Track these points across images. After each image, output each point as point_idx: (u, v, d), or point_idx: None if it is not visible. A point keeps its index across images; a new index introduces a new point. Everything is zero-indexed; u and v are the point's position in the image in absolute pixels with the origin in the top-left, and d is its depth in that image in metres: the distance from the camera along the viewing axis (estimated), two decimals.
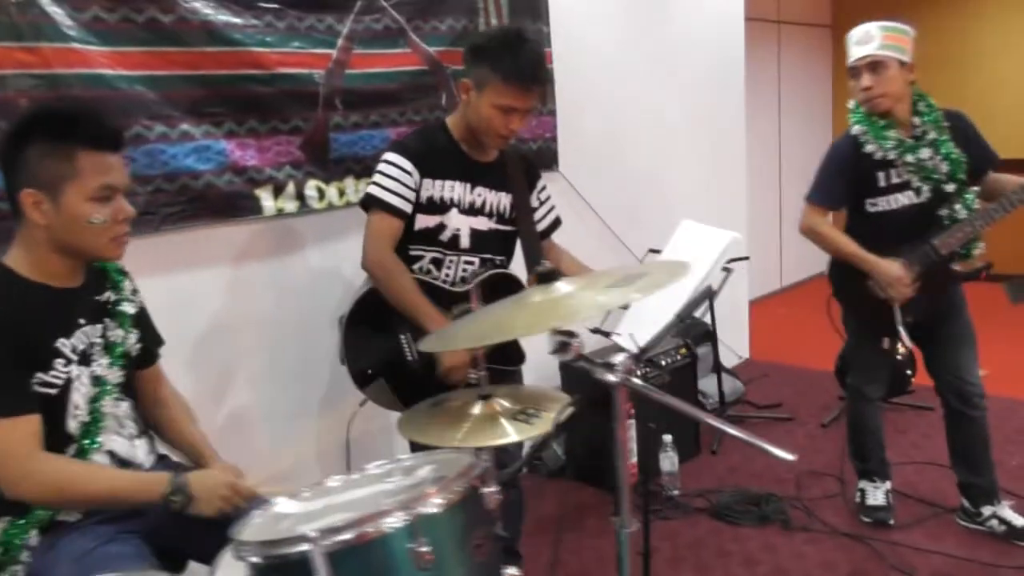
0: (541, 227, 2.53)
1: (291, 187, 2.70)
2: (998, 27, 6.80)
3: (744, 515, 3.16)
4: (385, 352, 2.30)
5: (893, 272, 2.67)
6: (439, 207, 2.31)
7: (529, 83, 2.18)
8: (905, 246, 2.70)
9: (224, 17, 2.46)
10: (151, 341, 1.93)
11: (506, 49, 2.16)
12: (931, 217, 2.70)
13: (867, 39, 2.64)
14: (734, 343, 4.96)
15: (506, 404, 1.91)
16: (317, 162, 2.76)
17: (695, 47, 4.45)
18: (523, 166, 2.46)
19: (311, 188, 2.75)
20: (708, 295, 1.75)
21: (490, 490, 1.42)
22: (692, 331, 4.38)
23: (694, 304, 1.74)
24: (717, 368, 4.12)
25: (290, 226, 2.77)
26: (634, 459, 3.47)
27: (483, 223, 2.38)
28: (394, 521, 1.22)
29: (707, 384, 4.21)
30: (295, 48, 2.63)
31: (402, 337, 2.29)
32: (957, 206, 2.69)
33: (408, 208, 2.27)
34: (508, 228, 2.43)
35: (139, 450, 1.81)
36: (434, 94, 3.08)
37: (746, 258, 3.87)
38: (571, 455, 3.63)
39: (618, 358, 1.40)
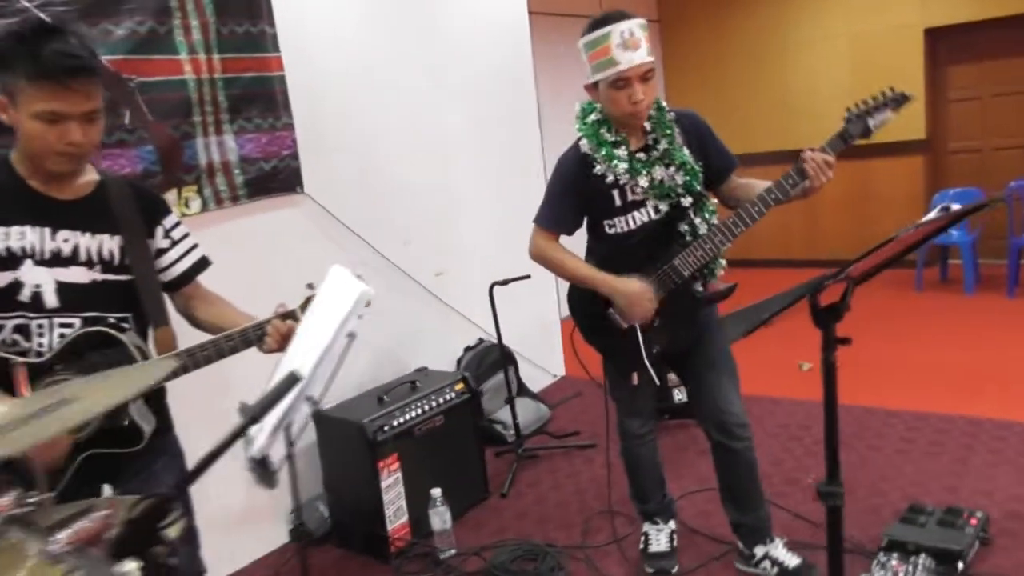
0: (176, 272, 2.06)
1: None
2: (816, 17, 6.83)
3: None
4: None
5: (632, 289, 2.34)
6: (7, 261, 1.79)
7: (65, 78, 1.71)
8: (647, 268, 2.39)
9: None
10: None
11: (24, 45, 1.71)
12: (671, 234, 2.42)
13: (634, 43, 2.26)
14: (547, 362, 4.64)
15: None
16: None
17: (474, 50, 4.08)
18: (135, 200, 1.97)
19: None
20: (292, 382, 1.33)
21: None
22: (488, 357, 4.03)
23: (272, 400, 1.32)
24: (511, 399, 3.76)
25: None
26: (404, 518, 3.08)
27: (79, 274, 1.87)
28: None
29: (511, 411, 3.84)
30: None
31: None
32: (697, 220, 2.41)
33: None
34: (124, 278, 1.94)
35: None
36: (110, 113, 2.54)
37: (527, 276, 3.52)
38: (337, 519, 3.17)
39: None
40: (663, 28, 7.54)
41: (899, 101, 2.22)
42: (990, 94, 6.48)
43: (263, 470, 1.54)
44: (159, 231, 2.02)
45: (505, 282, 3.44)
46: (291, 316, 1.96)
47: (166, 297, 2.06)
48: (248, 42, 2.95)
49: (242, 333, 1.96)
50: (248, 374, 1.99)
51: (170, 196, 2.74)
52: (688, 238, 2.39)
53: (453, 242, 3.93)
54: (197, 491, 2.80)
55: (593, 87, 2.37)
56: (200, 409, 2.68)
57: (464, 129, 4.03)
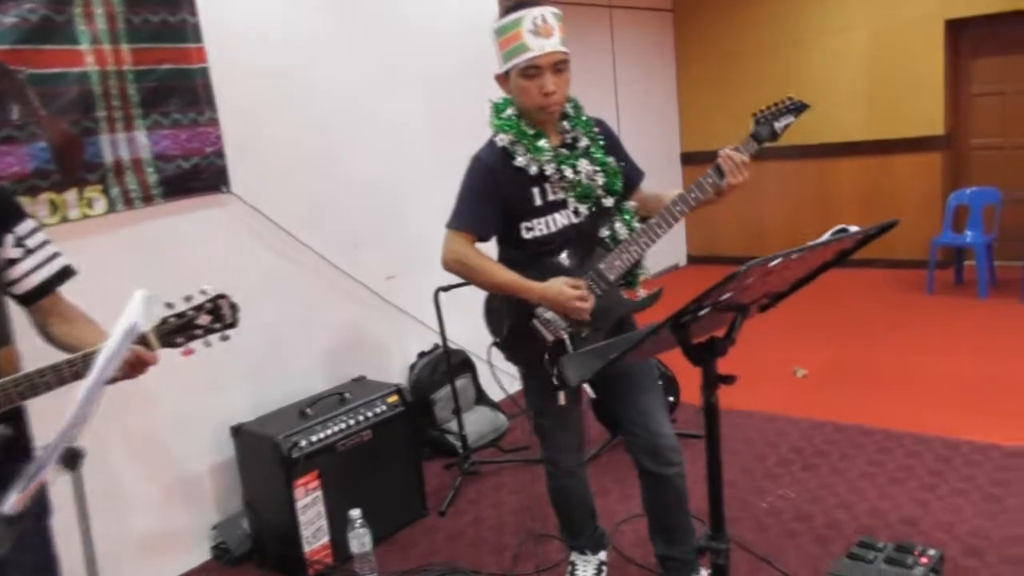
0: (30, 284, 1.88)
1: None
2: (834, 8, 6.46)
3: None
4: None
5: (562, 289, 2.13)
6: None
7: None
8: (570, 272, 2.19)
9: None
10: None
11: None
12: (593, 239, 2.23)
13: (546, 30, 2.11)
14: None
15: None
16: None
17: (432, 35, 3.87)
18: None
19: None
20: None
21: None
22: (444, 363, 3.83)
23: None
24: (457, 410, 3.56)
25: None
26: (325, 539, 2.90)
27: None
28: None
29: (468, 421, 3.65)
30: None
31: None
32: (618, 225, 2.25)
33: None
34: None
35: None
36: None
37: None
38: (257, 538, 3.01)
39: None
40: (676, 18, 7.24)
41: (799, 108, 2.12)
42: (1014, 89, 6.08)
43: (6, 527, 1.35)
44: (8, 239, 1.85)
45: (448, 288, 3.23)
46: (143, 342, 1.76)
47: (18, 312, 1.90)
48: (164, 32, 2.78)
49: (85, 359, 1.76)
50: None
51: (70, 196, 2.59)
52: (610, 242, 2.22)
53: (406, 243, 3.73)
54: (114, 507, 2.70)
55: (505, 78, 2.19)
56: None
57: (418, 122, 3.83)
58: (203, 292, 1.82)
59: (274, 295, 3.21)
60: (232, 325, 1.85)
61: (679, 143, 7.41)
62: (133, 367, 1.72)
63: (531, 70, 2.10)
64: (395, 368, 3.69)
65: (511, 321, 2.28)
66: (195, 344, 1.83)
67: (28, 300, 1.94)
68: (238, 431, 2.97)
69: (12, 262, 1.87)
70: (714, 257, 7.26)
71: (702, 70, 7.16)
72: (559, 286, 2.14)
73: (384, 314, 3.67)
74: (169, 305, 1.80)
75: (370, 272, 3.59)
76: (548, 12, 2.10)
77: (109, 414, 2.30)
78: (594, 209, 2.22)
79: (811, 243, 1.42)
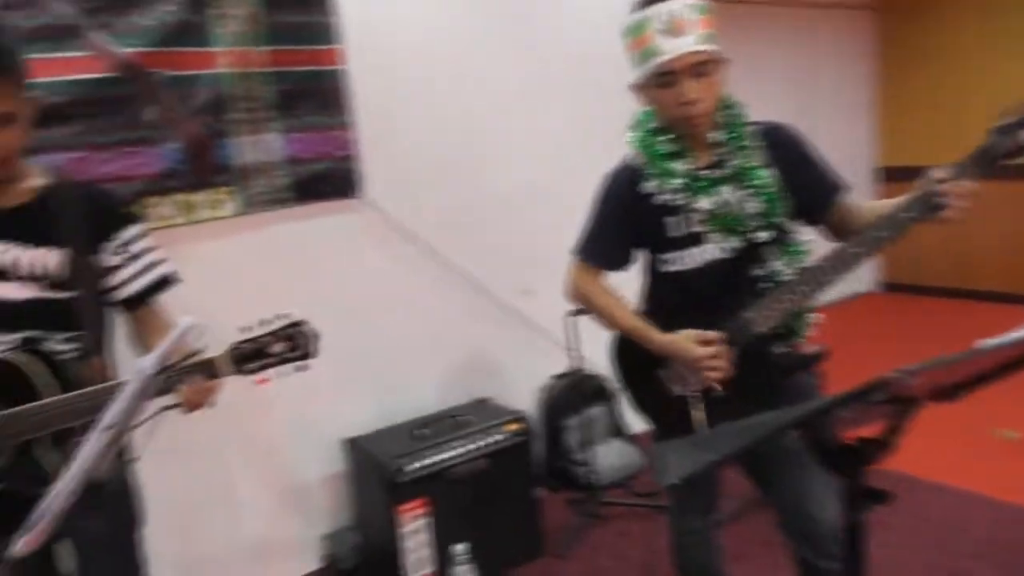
0: (128, 292, 1.84)
1: None
2: (981, 23, 5.53)
3: None
4: None
5: (685, 348, 1.81)
6: None
7: None
8: (714, 320, 1.84)
9: None
10: None
11: None
12: (744, 279, 1.86)
13: (681, 25, 1.76)
14: None
15: None
16: None
17: (581, 39, 3.60)
18: (88, 211, 1.77)
19: None
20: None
21: None
22: (581, 388, 3.58)
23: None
24: (586, 443, 3.29)
25: None
26: (428, 570, 2.74)
27: (16, 290, 1.71)
28: None
29: (598, 454, 3.38)
30: None
31: None
32: (777, 263, 1.86)
33: None
34: (68, 295, 1.76)
35: None
36: (130, 109, 2.42)
37: None
38: (364, 554, 2.91)
39: None
40: (882, 16, 6.49)
41: None
42: None
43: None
44: (111, 245, 1.82)
45: (578, 312, 2.97)
46: (208, 369, 1.65)
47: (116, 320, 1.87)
48: (300, 33, 2.72)
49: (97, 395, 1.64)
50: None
51: (200, 197, 2.58)
52: (764, 285, 1.84)
53: (546, 256, 3.49)
54: (227, 509, 2.70)
55: (641, 88, 1.87)
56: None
57: (565, 130, 3.57)
58: (280, 317, 1.68)
59: (401, 306, 3.10)
60: (308, 356, 1.70)
61: (875, 157, 6.65)
62: (191, 401, 1.62)
63: (665, 77, 1.76)
64: (523, 390, 3.47)
65: (631, 364, 2.00)
66: (270, 373, 1.69)
67: (126, 308, 1.90)
68: (350, 445, 2.88)
69: (113, 269, 1.84)
70: (913, 286, 6.41)
71: (905, 74, 6.36)
72: (686, 343, 1.81)
73: (516, 332, 3.47)
74: (244, 329, 1.67)
75: (505, 287, 3.40)
76: (682, 5, 1.74)
77: (229, 416, 2.29)
78: (746, 243, 1.86)
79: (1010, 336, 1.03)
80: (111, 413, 1.20)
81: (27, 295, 1.71)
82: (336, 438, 2.93)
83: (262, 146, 2.69)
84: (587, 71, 3.61)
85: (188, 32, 2.49)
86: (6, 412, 1.65)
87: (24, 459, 1.65)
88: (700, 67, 1.76)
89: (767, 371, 1.86)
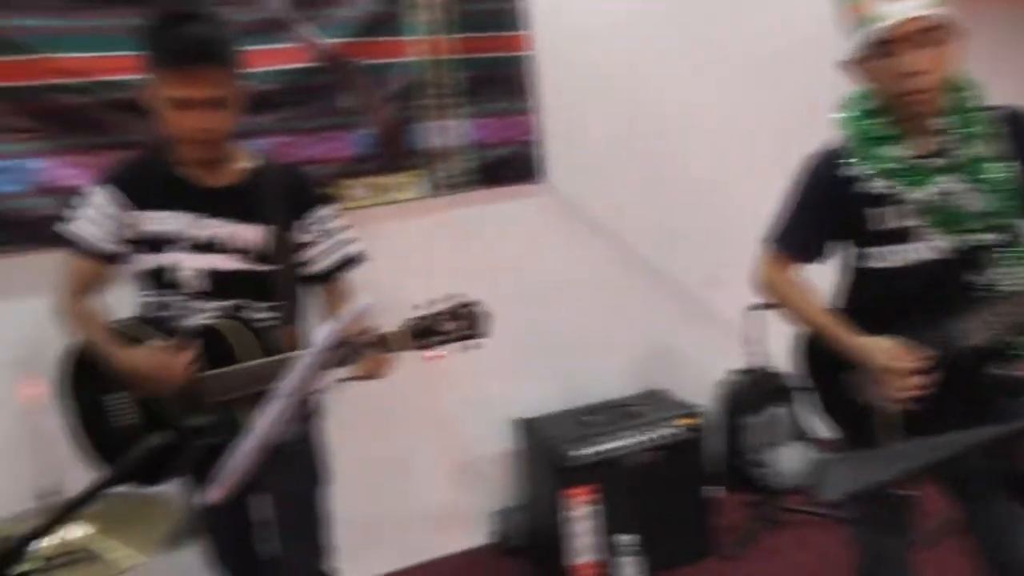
0: (319, 268, 1.98)
1: None
2: None
3: None
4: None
5: (883, 361, 1.65)
6: (155, 244, 1.88)
7: (188, 64, 1.70)
8: (916, 327, 1.67)
9: (24, 21, 2.19)
10: None
11: (162, 29, 1.74)
12: (957, 285, 1.66)
13: None
14: None
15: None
16: None
17: (786, 19, 3.38)
18: (288, 191, 1.91)
19: None
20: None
21: None
22: (764, 386, 3.41)
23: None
24: (766, 444, 3.13)
25: None
26: (594, 556, 2.73)
27: (226, 262, 1.89)
28: None
29: (778, 457, 3.23)
30: (117, 52, 2.28)
31: (115, 397, 1.89)
32: (1001, 269, 1.64)
33: (108, 247, 1.89)
34: (268, 268, 1.92)
35: None
36: (329, 96, 2.57)
37: None
38: (533, 534, 2.95)
39: None
40: None
41: None
42: None
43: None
44: (306, 222, 1.98)
45: (760, 307, 2.81)
46: (382, 344, 1.74)
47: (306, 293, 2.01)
48: (490, 20, 2.77)
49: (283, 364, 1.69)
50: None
51: (389, 180, 2.71)
52: (979, 294, 1.64)
53: (733, 247, 3.34)
54: (403, 477, 2.84)
55: (857, 62, 1.67)
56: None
57: (758, 113, 3.38)
58: (450, 297, 1.73)
59: (579, 291, 3.10)
60: (477, 335, 1.74)
61: None
62: (368, 372, 1.71)
63: (884, 46, 1.56)
64: (700, 384, 3.36)
65: (819, 364, 1.86)
66: (441, 350, 1.75)
67: (316, 282, 2.04)
68: (521, 425, 2.92)
69: (306, 245, 1.97)
70: None
71: None
72: (881, 350, 1.64)
73: (696, 323, 3.36)
74: (417, 307, 1.74)
75: (687, 276, 3.30)
76: None
77: (409, 389, 2.42)
78: (965, 245, 1.64)
79: None
80: (290, 380, 1.28)
81: (234, 267, 1.88)
82: (508, 417, 2.98)
83: (449, 131, 2.78)
84: (783, 51, 3.40)
85: (384, 23, 2.61)
86: (211, 372, 1.82)
87: (226, 416, 1.81)
88: (926, 34, 1.55)
89: (975, 391, 1.66)
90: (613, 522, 2.68)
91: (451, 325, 1.73)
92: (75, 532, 1.40)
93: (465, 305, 1.73)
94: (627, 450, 2.72)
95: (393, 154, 2.70)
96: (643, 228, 3.17)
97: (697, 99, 3.24)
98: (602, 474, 2.68)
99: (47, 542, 1.28)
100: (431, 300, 1.72)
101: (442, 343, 1.73)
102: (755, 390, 3.38)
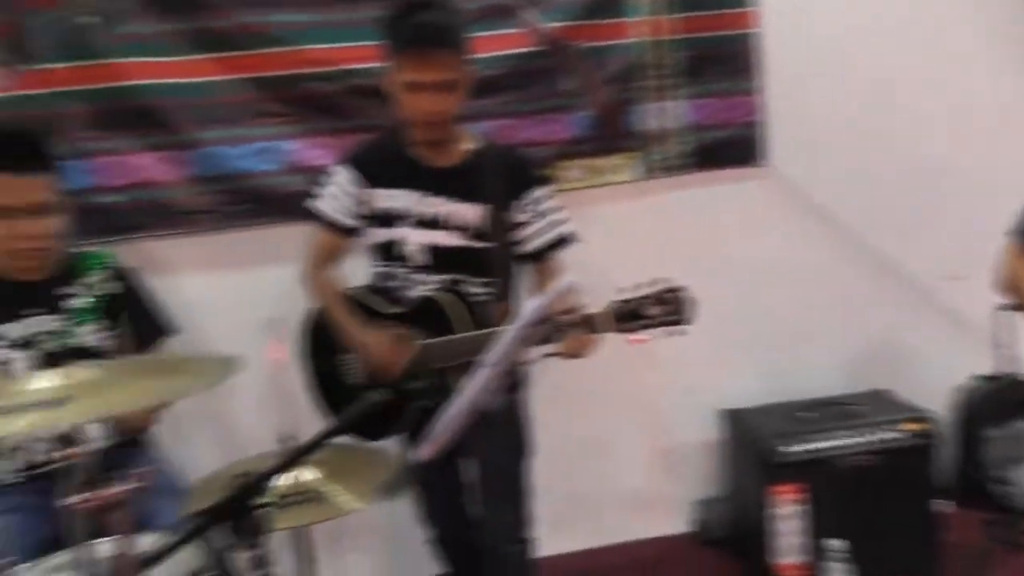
0: (532, 246, 2.06)
1: None
2: None
3: None
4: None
5: None
6: (388, 220, 2.05)
7: (421, 49, 1.83)
8: None
9: (280, 17, 2.44)
10: (145, 329, 2.07)
11: (399, 18, 1.87)
12: None
13: None
14: None
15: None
16: None
17: None
18: (506, 172, 2.00)
19: None
20: None
21: None
22: (1010, 393, 3.07)
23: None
24: (1012, 460, 2.80)
25: None
26: (799, 558, 2.61)
27: (447, 238, 2.03)
28: None
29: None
30: (361, 42, 2.47)
31: (345, 358, 2.08)
32: None
33: (347, 221, 2.08)
34: (486, 245, 2.02)
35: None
36: (549, 79, 2.63)
37: None
38: (735, 528, 2.87)
39: None
40: None
41: None
42: None
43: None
44: (522, 202, 2.07)
45: (1013, 307, 2.51)
46: (586, 324, 1.77)
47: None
48: None
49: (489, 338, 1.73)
50: None
51: (604, 162, 2.73)
52: None
53: (977, 240, 3.01)
54: (603, 457, 2.88)
55: None
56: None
57: (1007, 97, 3.01)
58: (656, 282, 1.73)
59: (798, 280, 2.94)
60: (682, 322, 1.72)
61: None
62: (571, 351, 1.75)
63: None
64: (932, 387, 3.06)
65: None
66: (645, 334, 1.76)
67: (529, 260, 2.12)
68: (729, 416, 2.85)
69: (521, 224, 2.06)
70: None
71: None
72: None
73: (932, 321, 3.06)
74: (621, 290, 1.76)
75: (923, 269, 3.02)
76: None
77: (613, 370, 2.46)
78: None
79: None
80: (494, 352, 1.35)
81: (454, 243, 2.01)
82: (713, 407, 2.91)
83: (667, 112, 2.74)
84: None
85: (606, 5, 2.62)
86: (428, 341, 1.95)
87: (440, 382, 1.94)
88: None
89: None
90: (822, 525, 2.54)
91: (656, 310, 1.73)
92: (306, 475, 1.58)
93: (671, 290, 1.72)
94: (843, 451, 2.57)
95: (610, 136, 2.71)
96: (873, 215, 2.94)
97: (936, 76, 2.93)
98: (813, 473, 2.54)
99: (282, 481, 1.45)
100: (637, 284, 1.73)
101: (645, 327, 1.73)
102: (1001, 399, 3.04)
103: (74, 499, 1.08)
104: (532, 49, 2.59)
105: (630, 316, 1.73)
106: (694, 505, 3.00)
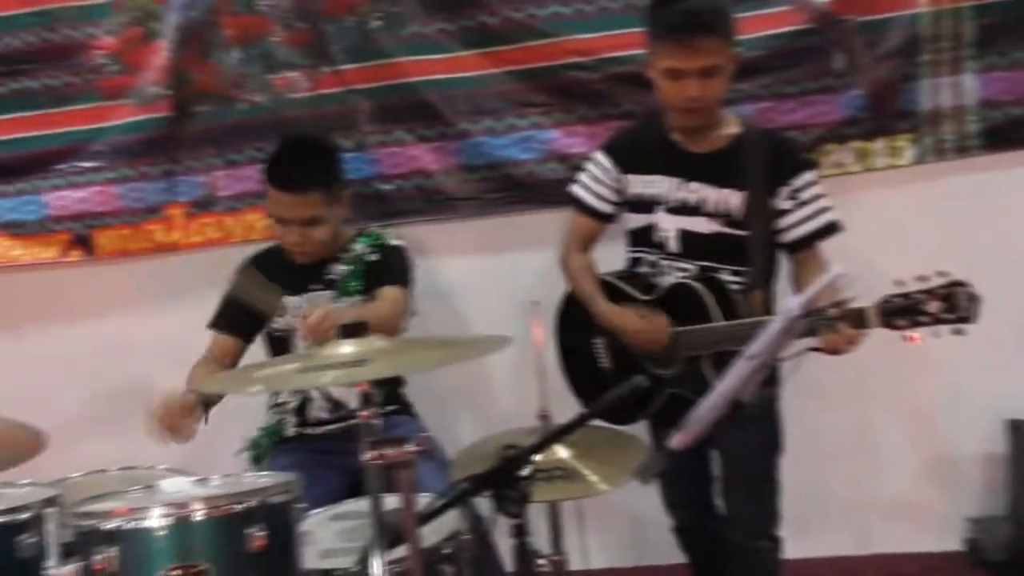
0: (795, 235, 1.97)
1: None
2: None
3: None
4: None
5: None
6: (644, 206, 2.07)
7: (681, 36, 1.81)
8: None
9: (544, 10, 2.53)
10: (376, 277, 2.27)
11: (662, 5, 1.88)
12: None
13: None
14: None
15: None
16: None
17: None
18: (769, 157, 1.94)
19: None
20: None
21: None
22: None
23: None
24: None
25: None
26: None
27: (702, 225, 2.01)
28: None
29: None
30: (622, 30, 2.49)
31: (596, 342, 2.13)
32: None
33: (605, 207, 2.14)
34: (743, 233, 1.98)
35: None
36: (818, 58, 2.48)
37: None
38: (1019, 551, 2.57)
39: None
40: None
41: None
42: None
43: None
44: (784, 190, 2.02)
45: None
46: (856, 319, 1.68)
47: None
48: None
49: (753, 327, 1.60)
50: None
51: (877, 145, 2.53)
52: None
53: None
54: (865, 462, 2.68)
55: None
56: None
57: None
58: (939, 275, 1.60)
59: None
60: (966, 319, 1.58)
61: None
62: (833, 346, 1.67)
63: None
64: None
65: None
66: (921, 331, 1.64)
67: (789, 249, 2.05)
68: (1014, 427, 2.54)
69: (783, 212, 2.00)
70: None
71: None
72: None
73: None
74: (899, 283, 1.64)
75: None
76: None
77: (876, 369, 2.34)
78: None
79: None
80: (756, 344, 1.32)
81: (710, 229, 1.99)
82: (999, 417, 2.61)
83: (954, 88, 2.48)
84: None
85: None
86: (680, 329, 1.95)
87: (692, 370, 1.94)
88: None
89: None
90: None
91: (933, 306, 1.60)
92: (561, 452, 1.65)
93: (952, 285, 1.58)
94: None
95: (883, 117, 2.51)
96: None
97: None
98: None
99: (541, 456, 1.53)
100: (917, 277, 1.60)
101: (916, 324, 1.61)
102: None
103: (371, 454, 1.23)
104: (800, 27, 2.47)
105: (903, 311, 1.62)
106: (968, 522, 2.72)
